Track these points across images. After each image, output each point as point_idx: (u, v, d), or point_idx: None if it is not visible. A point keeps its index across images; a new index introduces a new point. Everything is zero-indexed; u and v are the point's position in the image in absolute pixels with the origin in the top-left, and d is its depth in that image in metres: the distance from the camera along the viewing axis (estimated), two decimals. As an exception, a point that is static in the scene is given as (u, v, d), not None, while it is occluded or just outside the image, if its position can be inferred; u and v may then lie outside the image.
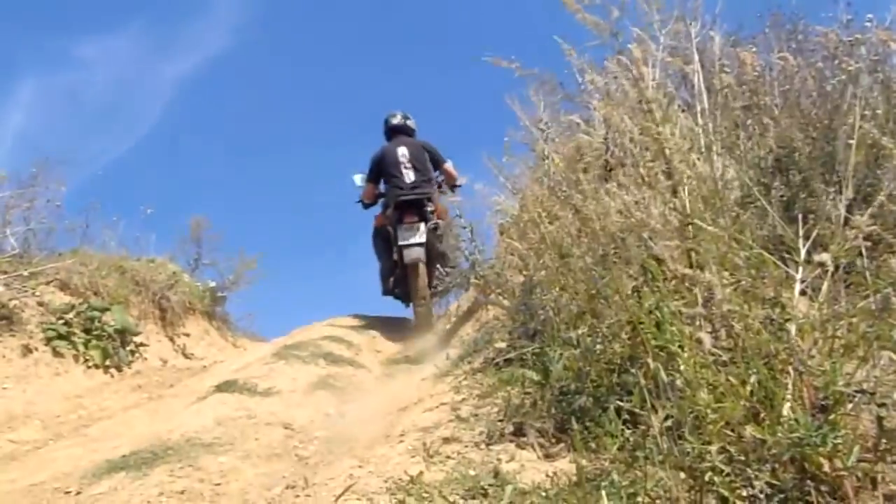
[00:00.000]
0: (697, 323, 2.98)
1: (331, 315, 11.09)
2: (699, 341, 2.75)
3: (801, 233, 3.31)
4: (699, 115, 5.29)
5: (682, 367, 2.80)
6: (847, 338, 2.80)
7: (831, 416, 2.42)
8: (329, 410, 5.78)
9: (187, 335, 10.63)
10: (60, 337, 7.85)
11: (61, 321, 8.05)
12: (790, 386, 2.62)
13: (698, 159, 4.09)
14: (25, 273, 8.44)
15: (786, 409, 2.55)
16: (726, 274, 3.00)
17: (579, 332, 3.76)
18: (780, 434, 2.42)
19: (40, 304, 8.27)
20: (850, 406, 2.54)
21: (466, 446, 3.52)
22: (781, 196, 5.00)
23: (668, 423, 2.70)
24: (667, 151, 3.41)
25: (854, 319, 2.77)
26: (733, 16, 6.59)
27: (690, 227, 3.28)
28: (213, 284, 12.06)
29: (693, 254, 3.23)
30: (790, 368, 2.82)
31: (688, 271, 3.01)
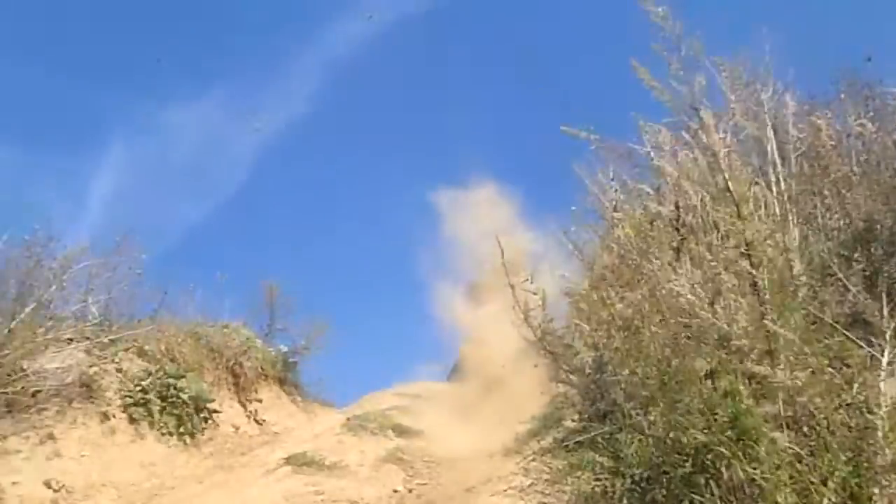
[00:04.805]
0: (777, 423, 2.84)
1: (399, 380, 11.12)
2: (774, 441, 2.63)
3: (885, 311, 3.17)
4: (773, 184, 5.15)
5: (758, 468, 2.67)
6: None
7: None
8: (397, 487, 5.73)
9: (259, 401, 10.74)
10: (137, 404, 8.02)
11: (138, 388, 8.23)
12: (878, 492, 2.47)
13: (774, 231, 3.97)
14: (106, 340, 8.67)
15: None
16: (804, 368, 2.87)
17: (651, 418, 3.65)
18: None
19: (119, 370, 8.47)
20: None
21: (536, 540, 3.44)
22: (863, 270, 4.80)
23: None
24: (746, 235, 3.31)
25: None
26: (806, 81, 6.43)
27: (767, 318, 3.16)
28: (285, 350, 12.20)
29: (771, 343, 3.11)
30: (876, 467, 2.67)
31: (765, 370, 2.89)
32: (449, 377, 12.75)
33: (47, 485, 6.23)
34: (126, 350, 8.91)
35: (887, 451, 2.66)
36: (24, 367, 7.23)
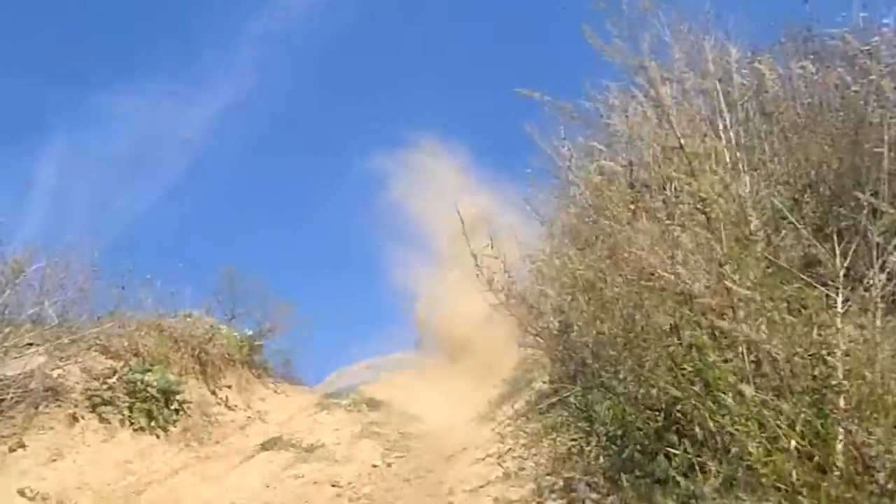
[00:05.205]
0: (742, 374, 2.91)
1: (371, 352, 11.12)
2: (741, 394, 2.70)
3: (837, 252, 3.24)
4: (722, 133, 5.20)
5: (727, 418, 2.74)
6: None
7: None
8: (376, 462, 5.77)
9: (228, 387, 10.68)
10: (105, 402, 7.93)
11: (104, 386, 8.13)
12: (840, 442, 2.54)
13: (727, 184, 4.02)
14: (66, 340, 8.52)
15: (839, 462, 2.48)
16: (764, 318, 2.93)
17: (620, 376, 3.72)
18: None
19: (83, 370, 8.36)
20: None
21: (517, 507, 3.50)
22: (813, 212, 4.90)
23: (720, 479, 2.65)
24: (700, 193, 3.35)
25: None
26: (748, 29, 6.46)
27: (726, 267, 3.22)
28: (249, 333, 12.12)
29: (731, 297, 3.17)
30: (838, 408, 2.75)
31: (726, 325, 2.95)
32: (416, 346, 12.80)
33: (22, 494, 6.15)
34: (88, 349, 8.77)
35: (850, 391, 2.75)
36: (-15, 376, 7.10)
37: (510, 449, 4.26)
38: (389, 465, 5.70)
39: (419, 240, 12.23)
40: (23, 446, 6.76)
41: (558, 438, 3.90)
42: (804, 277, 3.37)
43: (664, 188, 4.86)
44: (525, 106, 5.05)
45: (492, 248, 7.31)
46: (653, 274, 4.03)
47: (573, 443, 3.75)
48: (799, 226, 4.07)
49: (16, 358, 7.75)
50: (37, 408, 7.37)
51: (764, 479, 2.54)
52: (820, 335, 3.01)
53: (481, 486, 3.80)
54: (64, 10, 21.42)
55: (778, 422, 2.80)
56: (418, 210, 12.37)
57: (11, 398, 7.00)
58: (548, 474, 3.60)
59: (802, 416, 2.80)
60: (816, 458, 2.70)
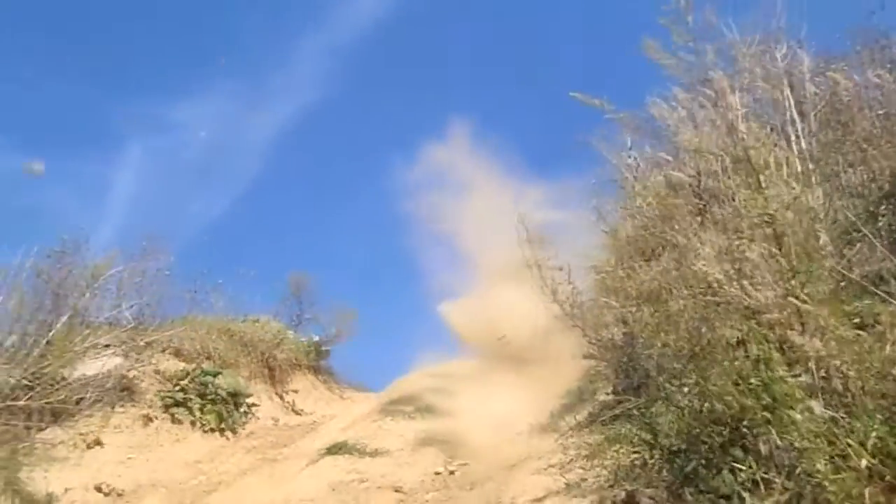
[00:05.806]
0: (810, 389, 2.86)
1: (431, 353, 11.11)
2: (810, 410, 2.66)
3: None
4: (793, 143, 5.09)
5: (795, 433, 2.70)
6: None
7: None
8: (438, 469, 5.82)
9: (295, 391, 10.90)
10: (177, 404, 8.20)
11: (177, 388, 8.41)
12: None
13: (796, 197, 3.95)
14: (141, 343, 8.82)
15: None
16: (834, 334, 2.87)
17: (685, 389, 3.68)
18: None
19: (156, 372, 8.66)
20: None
21: (579, 519, 3.50)
22: (889, 225, 4.76)
23: (786, 497, 2.61)
24: (768, 207, 3.30)
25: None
26: (820, 37, 6.30)
27: (794, 281, 3.16)
28: (316, 339, 12.34)
29: (801, 312, 3.11)
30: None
31: (795, 338, 2.90)
32: (467, 354, 12.68)
33: (98, 489, 6.40)
34: (162, 351, 9.08)
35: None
36: (65, 375, 7.39)
37: (572, 460, 4.25)
38: (452, 472, 5.74)
39: (467, 246, 11.94)
40: (100, 444, 7.02)
41: (621, 450, 3.88)
42: (877, 292, 3.29)
43: (731, 199, 4.79)
44: (580, 113, 5.05)
45: (556, 257, 7.29)
46: (719, 286, 3.98)
47: (636, 455, 3.73)
48: (873, 239, 3.97)
49: (94, 359, 8.05)
50: (113, 407, 7.64)
51: (832, 498, 2.49)
52: (893, 352, 2.94)
53: (542, 497, 3.81)
54: (136, 25, 22.19)
55: (848, 439, 2.74)
56: (468, 217, 12.14)
57: (90, 397, 7.28)
58: (610, 486, 3.58)
59: (874, 434, 2.74)
60: (888, 478, 2.64)
